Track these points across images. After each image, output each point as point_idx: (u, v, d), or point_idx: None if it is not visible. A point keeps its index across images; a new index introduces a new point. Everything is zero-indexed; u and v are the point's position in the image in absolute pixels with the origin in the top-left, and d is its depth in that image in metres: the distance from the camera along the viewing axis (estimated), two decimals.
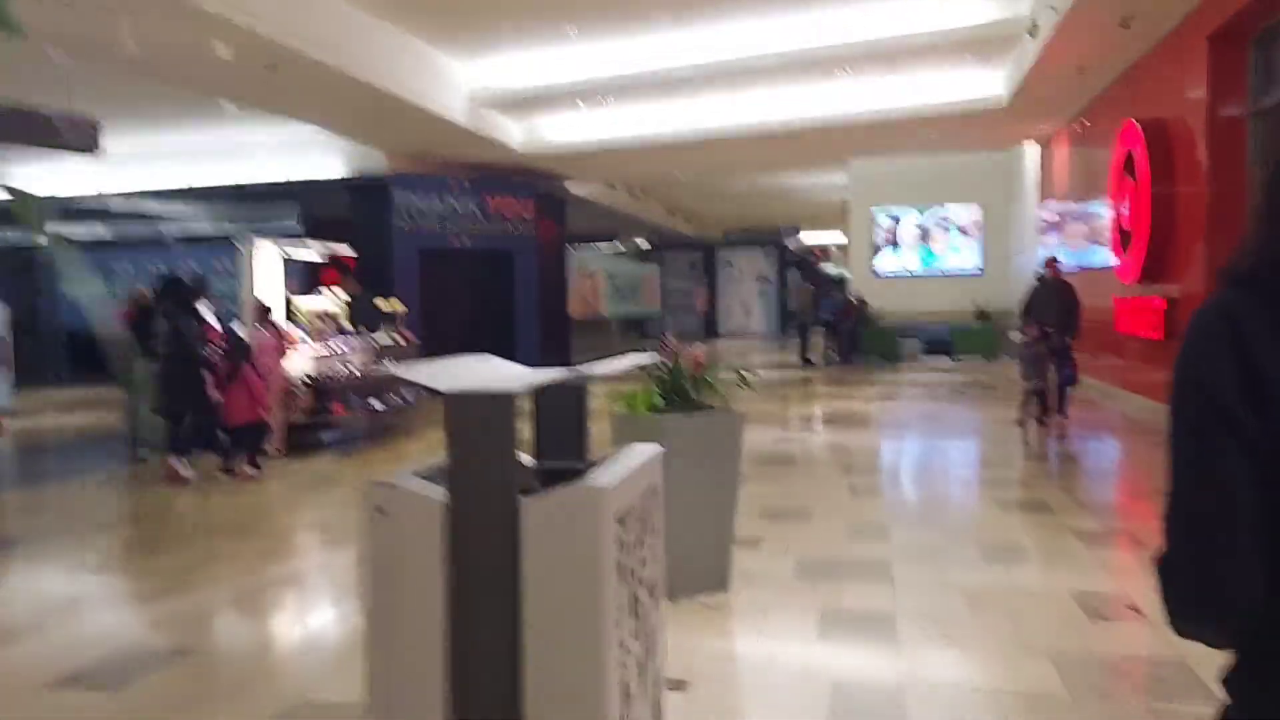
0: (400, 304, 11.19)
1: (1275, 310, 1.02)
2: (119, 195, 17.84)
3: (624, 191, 24.05)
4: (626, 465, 2.25)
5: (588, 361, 4.58)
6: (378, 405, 9.48)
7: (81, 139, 10.59)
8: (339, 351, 9.45)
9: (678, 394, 4.26)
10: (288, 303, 9.40)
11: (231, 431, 7.83)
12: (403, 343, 10.61)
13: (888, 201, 21.83)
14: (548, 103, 14.47)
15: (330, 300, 9.93)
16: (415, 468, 2.14)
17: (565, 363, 16.62)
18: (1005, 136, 17.21)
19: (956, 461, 8.50)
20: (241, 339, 7.96)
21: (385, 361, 10.08)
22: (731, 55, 12.45)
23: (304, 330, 9.39)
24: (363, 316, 10.22)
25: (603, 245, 23.69)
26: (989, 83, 13.71)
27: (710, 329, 32.85)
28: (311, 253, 10.34)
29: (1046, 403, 9.18)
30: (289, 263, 10.39)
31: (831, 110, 14.36)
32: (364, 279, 15.54)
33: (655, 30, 12.03)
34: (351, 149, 16.13)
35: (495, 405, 1.96)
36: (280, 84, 10.93)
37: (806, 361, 19.33)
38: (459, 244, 16.74)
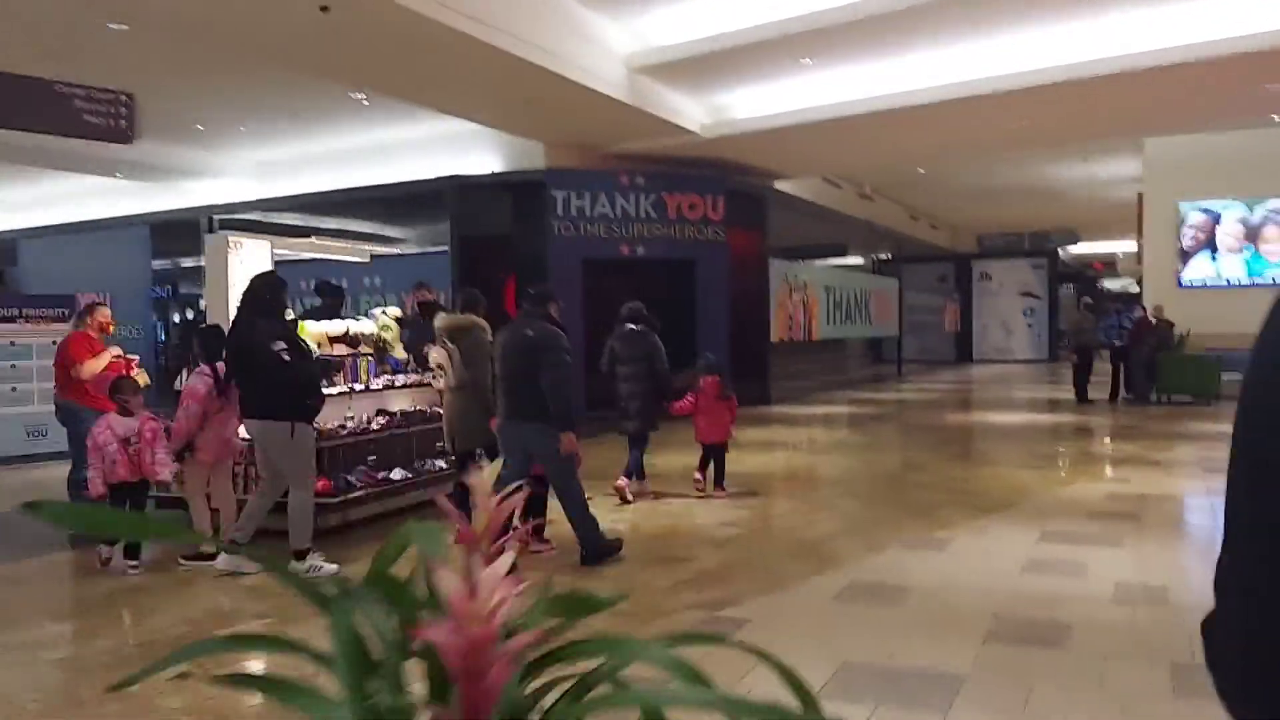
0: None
1: None
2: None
3: (850, 191, 20.25)
4: None
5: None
6: (400, 475, 6.45)
7: (110, 122, 8.58)
8: (369, 391, 6.63)
9: None
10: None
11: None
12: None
13: (1199, 193, 16.84)
14: (729, 67, 11.18)
15: (377, 320, 7.16)
16: None
17: (763, 396, 13.23)
18: None
19: None
20: None
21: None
22: None
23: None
24: (423, 342, 7.32)
25: (831, 259, 19.91)
26: None
27: (963, 352, 28.10)
28: (349, 254, 7.63)
29: None
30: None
31: (1122, 50, 10.09)
32: (519, 292, 13.05)
33: None
34: (507, 145, 13.69)
35: None
36: (367, 49, 8.44)
37: (1084, 399, 14.76)
38: (631, 252, 13.86)
